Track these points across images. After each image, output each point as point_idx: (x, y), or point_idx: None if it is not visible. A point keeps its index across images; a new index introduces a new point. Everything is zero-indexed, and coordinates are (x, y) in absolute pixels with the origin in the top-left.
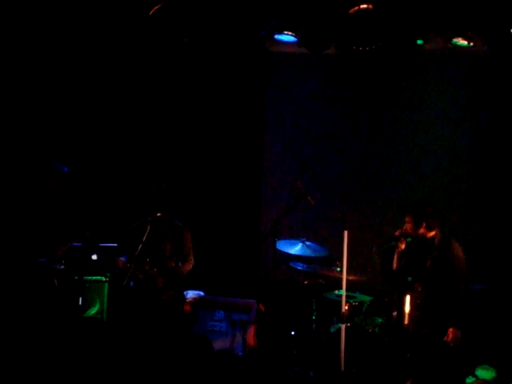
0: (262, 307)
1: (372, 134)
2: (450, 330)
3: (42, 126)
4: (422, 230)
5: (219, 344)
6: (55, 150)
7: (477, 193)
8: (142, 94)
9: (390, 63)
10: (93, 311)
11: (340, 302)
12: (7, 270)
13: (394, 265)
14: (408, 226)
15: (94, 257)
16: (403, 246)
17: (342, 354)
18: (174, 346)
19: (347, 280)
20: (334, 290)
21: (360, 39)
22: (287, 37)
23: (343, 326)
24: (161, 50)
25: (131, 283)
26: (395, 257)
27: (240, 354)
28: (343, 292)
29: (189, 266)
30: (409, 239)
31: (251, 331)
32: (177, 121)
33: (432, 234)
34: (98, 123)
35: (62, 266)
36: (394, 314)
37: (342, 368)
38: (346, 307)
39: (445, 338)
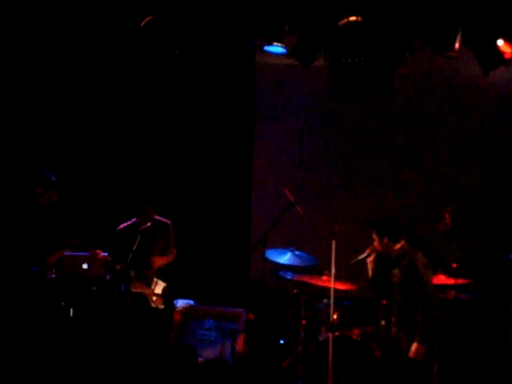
0: (251, 316)
1: (363, 144)
2: (414, 344)
3: (31, 134)
4: (386, 243)
5: (209, 353)
6: (44, 157)
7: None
8: (132, 100)
9: (378, 74)
10: None
11: (328, 311)
12: None
13: (369, 275)
14: (375, 241)
15: (85, 266)
16: (372, 264)
17: (330, 363)
18: (159, 356)
19: (335, 289)
20: (323, 299)
21: (349, 51)
22: (276, 48)
23: (331, 335)
24: (152, 60)
25: (122, 287)
26: (369, 268)
27: (229, 362)
28: (331, 301)
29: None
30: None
31: (240, 340)
32: (166, 131)
33: (397, 247)
34: (89, 129)
35: (53, 275)
36: (382, 323)
37: (330, 377)
38: (335, 316)
39: (409, 354)
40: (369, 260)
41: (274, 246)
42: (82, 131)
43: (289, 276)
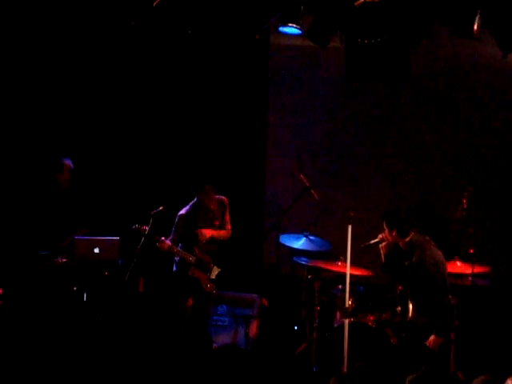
0: (265, 302)
1: (380, 127)
2: (431, 336)
3: (46, 121)
4: (394, 236)
5: (222, 339)
6: (59, 143)
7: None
8: (142, 86)
9: (395, 55)
10: None
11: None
12: (10, 262)
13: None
14: (385, 232)
15: (97, 250)
16: (385, 250)
17: (346, 350)
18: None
19: (351, 275)
20: (338, 284)
21: (365, 32)
22: (291, 29)
23: (346, 321)
24: (164, 40)
25: (174, 268)
26: (381, 254)
27: (243, 348)
28: (347, 286)
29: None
30: None
31: (254, 326)
32: (179, 114)
33: (406, 240)
34: (101, 118)
35: (65, 259)
36: (398, 309)
37: (345, 363)
38: (350, 302)
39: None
40: (381, 246)
41: (288, 231)
42: (96, 117)
43: (303, 261)
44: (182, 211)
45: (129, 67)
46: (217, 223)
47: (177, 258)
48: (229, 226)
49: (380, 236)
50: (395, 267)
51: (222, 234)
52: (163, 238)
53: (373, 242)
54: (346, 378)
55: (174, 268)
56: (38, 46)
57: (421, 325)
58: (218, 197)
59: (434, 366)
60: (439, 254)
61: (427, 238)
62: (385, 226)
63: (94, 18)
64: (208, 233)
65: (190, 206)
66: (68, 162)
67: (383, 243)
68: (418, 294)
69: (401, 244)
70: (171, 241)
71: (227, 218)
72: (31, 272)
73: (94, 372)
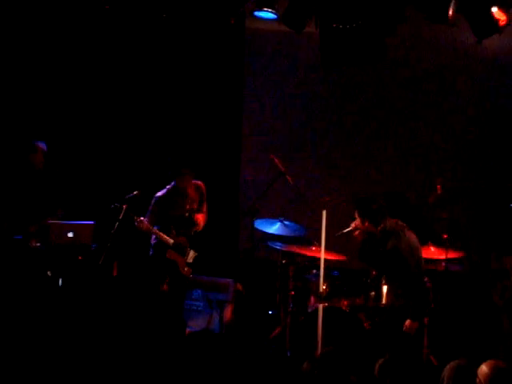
0: (239, 286)
1: (355, 112)
2: (406, 321)
3: (20, 103)
4: (367, 225)
5: (196, 323)
6: (34, 126)
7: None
8: (117, 71)
9: (371, 40)
10: None
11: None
12: None
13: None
14: (357, 220)
15: (70, 234)
16: (359, 238)
17: (319, 334)
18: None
19: (325, 259)
20: (312, 269)
21: (340, 17)
22: (267, 13)
23: (320, 306)
24: (138, 26)
25: (150, 252)
26: (357, 241)
27: (217, 332)
28: (321, 271)
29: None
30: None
31: (228, 310)
32: (155, 99)
33: (379, 229)
34: (77, 101)
35: (38, 244)
36: (372, 293)
37: (319, 348)
38: (324, 286)
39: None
40: (355, 234)
41: (263, 216)
42: (72, 100)
43: (278, 246)
44: (159, 193)
45: (103, 51)
46: (195, 207)
47: (153, 242)
48: (205, 210)
49: (353, 225)
50: (371, 254)
51: (205, 218)
52: (142, 218)
53: (346, 230)
54: (316, 362)
55: (151, 252)
56: (13, 33)
57: (398, 306)
58: (194, 182)
59: (405, 350)
60: (414, 240)
61: (400, 223)
62: (357, 216)
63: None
64: (203, 219)
65: (167, 190)
66: (41, 145)
67: (357, 231)
68: (394, 279)
69: (374, 232)
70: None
71: (204, 202)
72: (4, 257)
73: (68, 357)
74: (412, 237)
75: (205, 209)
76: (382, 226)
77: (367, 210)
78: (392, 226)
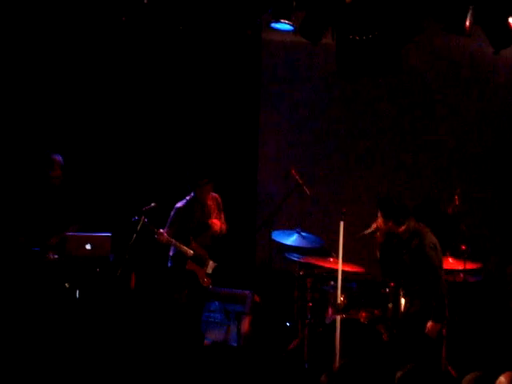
0: (257, 298)
1: (372, 123)
2: (429, 322)
3: (37, 116)
4: (390, 225)
5: (214, 335)
6: (51, 139)
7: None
8: (135, 82)
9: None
10: None
11: (335, 293)
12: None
13: (377, 255)
14: (379, 221)
15: (88, 246)
16: (380, 239)
17: (337, 346)
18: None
19: (343, 271)
20: (330, 281)
21: (357, 28)
22: (283, 25)
23: (338, 318)
24: (156, 36)
25: (169, 263)
26: (376, 250)
27: (234, 345)
28: (339, 283)
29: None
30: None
31: (246, 322)
32: (172, 110)
33: (401, 229)
34: (94, 114)
35: (56, 256)
36: (390, 305)
37: (337, 360)
38: (342, 298)
39: (425, 331)
40: (376, 235)
41: (280, 228)
42: (89, 113)
43: (295, 258)
44: (179, 204)
45: (121, 63)
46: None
47: (171, 253)
48: (223, 220)
49: (374, 225)
50: (391, 255)
51: (224, 227)
52: (161, 230)
53: (367, 232)
54: (334, 375)
55: (169, 264)
56: (28, 42)
57: (413, 312)
58: (213, 194)
59: (425, 362)
60: (436, 241)
61: (422, 224)
62: (380, 216)
63: (86, 13)
64: (219, 223)
65: (187, 201)
66: (58, 158)
67: (378, 234)
68: (414, 282)
69: (397, 232)
70: (166, 234)
71: (222, 215)
72: (22, 269)
73: (86, 369)
74: (434, 237)
75: (223, 219)
76: (405, 225)
77: (391, 210)
78: (415, 225)
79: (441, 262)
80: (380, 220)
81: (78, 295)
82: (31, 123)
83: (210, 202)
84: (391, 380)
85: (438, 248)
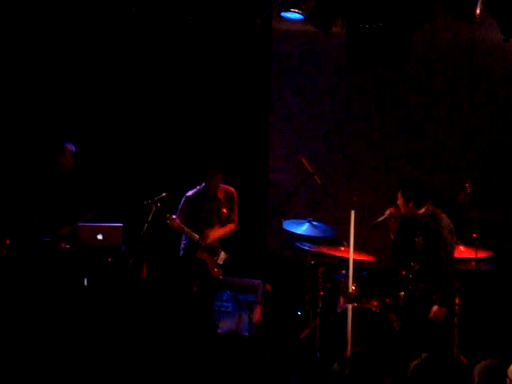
0: (268, 287)
1: (384, 112)
2: (434, 307)
3: (50, 104)
4: (411, 206)
5: (226, 324)
6: (63, 127)
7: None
8: (145, 73)
9: (397, 40)
10: None
11: (347, 282)
12: (12, 249)
13: (391, 237)
14: (399, 202)
15: (100, 236)
16: (393, 226)
17: (349, 335)
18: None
19: (354, 260)
20: (341, 270)
21: (366, 17)
22: (293, 14)
23: (350, 306)
24: (165, 28)
25: (181, 253)
26: (390, 234)
27: (246, 334)
28: (350, 272)
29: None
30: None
31: (257, 311)
32: (182, 101)
33: (421, 211)
34: (106, 104)
35: (67, 246)
36: (401, 293)
37: (349, 349)
38: (353, 287)
39: (429, 316)
40: (390, 223)
41: (291, 217)
42: (101, 103)
43: (306, 247)
44: (189, 193)
45: (130, 53)
46: (224, 211)
47: (183, 243)
48: (236, 218)
49: (387, 212)
50: (404, 241)
51: (229, 229)
52: (174, 216)
53: (381, 219)
54: (346, 363)
55: (181, 253)
56: (38, 33)
57: (419, 297)
58: (225, 187)
59: (439, 351)
60: (453, 226)
61: (439, 210)
62: (400, 197)
63: (94, 4)
64: (215, 236)
65: (197, 190)
66: (70, 146)
67: (391, 221)
68: (425, 267)
69: (415, 215)
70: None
71: (235, 209)
72: (34, 258)
73: (98, 359)
74: (451, 223)
75: (236, 217)
76: (425, 208)
77: (413, 191)
78: (433, 209)
79: (454, 248)
80: (400, 201)
81: (87, 284)
82: (44, 113)
83: (220, 195)
84: (403, 368)
85: (454, 233)
